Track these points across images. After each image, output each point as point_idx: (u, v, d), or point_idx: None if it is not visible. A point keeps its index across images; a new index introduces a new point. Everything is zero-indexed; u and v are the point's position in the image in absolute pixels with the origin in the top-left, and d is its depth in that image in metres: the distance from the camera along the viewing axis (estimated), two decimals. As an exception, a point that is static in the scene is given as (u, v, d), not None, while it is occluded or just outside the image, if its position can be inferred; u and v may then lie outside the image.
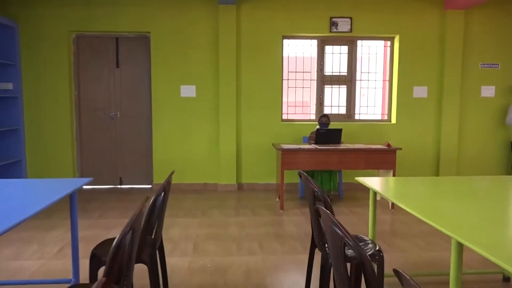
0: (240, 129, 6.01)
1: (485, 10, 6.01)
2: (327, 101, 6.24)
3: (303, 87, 6.19)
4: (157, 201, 2.31)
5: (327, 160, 4.78)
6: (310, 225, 4.27)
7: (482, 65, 6.10)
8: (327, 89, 6.22)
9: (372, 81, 6.30)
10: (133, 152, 6.12)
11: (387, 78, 6.25)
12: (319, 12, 5.89)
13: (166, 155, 5.99)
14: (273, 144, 5.21)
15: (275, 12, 5.87)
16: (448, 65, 5.98)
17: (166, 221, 4.38)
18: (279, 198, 5.03)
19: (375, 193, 2.84)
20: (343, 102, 6.27)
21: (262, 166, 6.04)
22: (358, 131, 6.04)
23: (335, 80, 6.20)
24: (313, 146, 4.90)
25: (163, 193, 2.36)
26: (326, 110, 6.24)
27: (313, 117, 6.23)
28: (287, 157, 4.76)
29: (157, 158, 6.00)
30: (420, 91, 6.09)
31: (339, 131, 5.04)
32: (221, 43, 5.81)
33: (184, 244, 3.71)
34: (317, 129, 5.08)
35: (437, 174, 6.15)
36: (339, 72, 6.20)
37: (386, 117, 6.30)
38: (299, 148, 4.76)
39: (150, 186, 6.12)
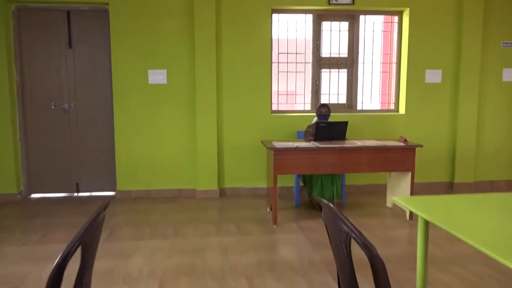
0: (222, 123, 4.98)
1: (509, -21, 5.10)
2: (324, 88, 5.26)
3: (296, 72, 5.19)
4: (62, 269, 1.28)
5: (331, 161, 3.82)
6: (315, 250, 3.29)
7: (504, 44, 5.21)
8: (325, 74, 5.24)
9: (376, 64, 5.35)
10: (92, 152, 5.04)
11: (395, 60, 5.31)
12: (315, -20, 4.89)
13: (132, 155, 4.93)
14: (262, 142, 4.22)
15: (262, -20, 4.84)
16: (466, 44, 5.07)
17: (126, 245, 3.36)
18: (270, 209, 4.06)
19: (426, 222, 1.88)
20: (343, 89, 5.30)
21: (249, 167, 5.05)
22: (361, 123, 5.09)
23: (334, 63, 5.22)
24: (312, 143, 3.93)
25: (78, 246, 1.33)
26: (324, 99, 5.26)
27: (308, 107, 5.25)
28: (281, 159, 3.78)
29: (121, 159, 4.93)
30: (434, 75, 5.17)
31: (344, 125, 4.08)
32: (197, 19, 4.75)
33: (145, 286, 2.70)
34: (316, 122, 4.11)
35: (453, 173, 5.27)
36: (339, 54, 5.22)
37: (393, 107, 5.36)
38: (296, 147, 3.78)
39: (113, 193, 5.05)
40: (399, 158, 3.90)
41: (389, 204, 4.48)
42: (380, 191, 5.01)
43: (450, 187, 5.29)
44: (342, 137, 4.11)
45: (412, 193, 3.94)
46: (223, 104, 4.96)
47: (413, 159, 3.92)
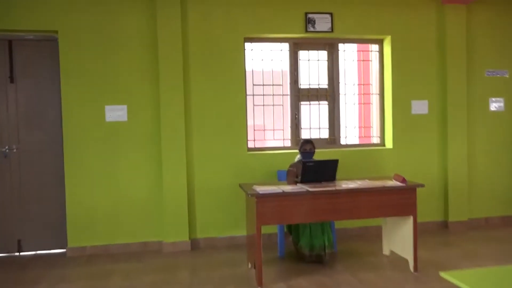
0: (192, 164, 4.37)
1: (489, 5, 4.93)
2: (304, 122, 4.80)
3: (273, 105, 4.71)
4: None
5: (324, 207, 3.27)
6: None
7: (488, 73, 4.99)
8: (304, 106, 4.80)
9: (358, 95, 4.98)
10: (38, 203, 4.26)
11: (375, 91, 4.95)
12: (291, 6, 4.50)
13: (86, 205, 4.19)
14: (241, 186, 3.64)
15: (234, 7, 4.40)
16: (451, 73, 4.79)
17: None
18: (253, 266, 3.41)
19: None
20: (325, 123, 4.86)
21: (225, 214, 4.42)
22: (345, 160, 4.57)
23: (313, 94, 4.80)
24: (300, 187, 3.37)
25: None
26: (304, 134, 4.79)
27: (288, 143, 4.75)
28: (266, 206, 3.19)
29: (73, 211, 4.18)
30: (420, 106, 4.83)
31: (334, 164, 3.57)
32: (161, 47, 4.21)
33: None
34: (302, 161, 3.58)
35: (446, 210, 4.86)
36: (318, 85, 4.81)
37: (378, 141, 4.96)
38: (283, 192, 3.21)
39: (64, 250, 4.25)
40: (399, 200, 3.41)
41: (386, 251, 3.95)
42: (373, 234, 4.52)
43: (444, 226, 4.86)
44: (332, 177, 3.59)
45: (415, 241, 3.43)
46: (193, 143, 4.37)
47: (415, 201, 3.45)
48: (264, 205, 3.18)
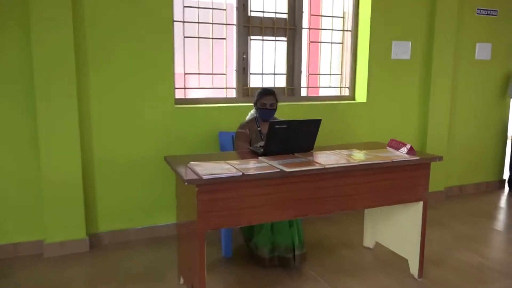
0: (90, 127, 2.86)
1: None
2: (255, 65, 3.47)
3: (212, 38, 3.29)
4: None
5: (307, 196, 2.06)
6: None
7: (479, 11, 4.04)
8: (255, 43, 3.44)
9: (325, 31, 3.75)
10: None
11: (350, 27, 3.75)
12: None
13: None
14: (167, 160, 2.26)
15: None
16: (441, 8, 3.75)
17: None
18: (188, 284, 2.14)
19: None
20: (283, 67, 3.58)
21: (140, 196, 3.04)
22: (307, 117, 3.40)
23: (268, 27, 3.45)
24: (267, 164, 2.10)
25: None
26: (254, 81, 3.49)
27: (232, 94, 3.41)
28: (214, 200, 1.89)
29: None
30: (401, 49, 3.76)
31: (314, 126, 2.34)
32: None
33: None
34: (270, 122, 2.24)
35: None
36: (275, 14, 3.46)
37: (347, 92, 3.83)
38: (243, 175, 1.91)
39: None
40: (407, 181, 2.33)
41: (368, 243, 2.92)
42: (340, 215, 3.50)
43: (418, 199, 4.01)
44: (310, 146, 2.38)
45: (423, 237, 2.41)
46: (89, 94, 2.83)
47: (427, 181, 2.39)
48: (210, 198, 1.87)
